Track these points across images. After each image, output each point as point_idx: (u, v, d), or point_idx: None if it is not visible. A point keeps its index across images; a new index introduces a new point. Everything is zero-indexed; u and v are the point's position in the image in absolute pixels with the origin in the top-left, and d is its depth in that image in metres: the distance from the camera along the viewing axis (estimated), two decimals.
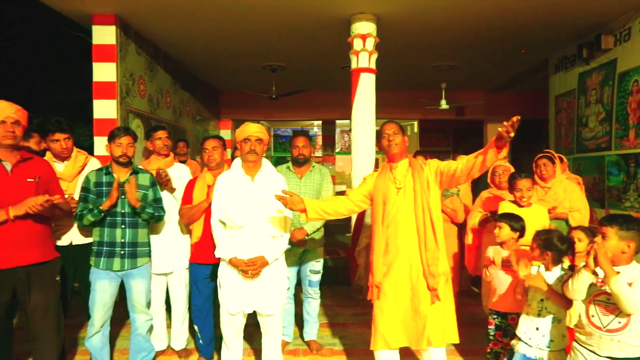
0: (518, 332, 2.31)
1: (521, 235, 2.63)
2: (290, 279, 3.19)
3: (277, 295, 2.51)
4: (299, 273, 3.34)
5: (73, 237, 2.90)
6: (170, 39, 5.74)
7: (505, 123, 2.02)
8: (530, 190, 2.99)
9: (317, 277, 3.29)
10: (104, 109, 4.84)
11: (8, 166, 2.27)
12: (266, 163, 2.60)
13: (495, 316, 2.63)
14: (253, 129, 2.49)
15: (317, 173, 3.31)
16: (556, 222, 3.23)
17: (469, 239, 3.60)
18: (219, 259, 2.54)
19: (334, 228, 8.50)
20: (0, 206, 2.19)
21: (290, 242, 2.84)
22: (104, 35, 4.79)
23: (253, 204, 2.44)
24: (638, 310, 1.76)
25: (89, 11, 4.68)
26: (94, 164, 3.04)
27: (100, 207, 2.62)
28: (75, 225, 2.85)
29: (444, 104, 7.92)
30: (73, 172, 2.90)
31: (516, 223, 2.61)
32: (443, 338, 2.33)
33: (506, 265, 2.48)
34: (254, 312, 2.50)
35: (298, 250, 3.19)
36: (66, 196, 2.71)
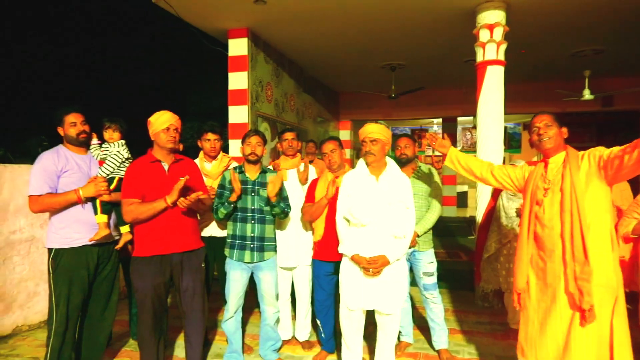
0: None
1: None
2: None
3: (397, 295, 2.48)
4: (411, 273, 3.27)
5: (213, 230, 3.26)
6: (294, 45, 6.08)
7: None
8: None
9: (431, 280, 3.16)
10: (237, 114, 5.36)
11: (166, 166, 2.65)
12: (391, 163, 2.60)
13: None
14: (367, 131, 2.52)
15: (425, 172, 3.20)
16: None
17: (622, 249, 3.10)
18: (341, 256, 2.60)
19: (456, 230, 8.11)
20: None
21: None
22: (238, 47, 5.31)
23: (378, 203, 2.45)
24: None
25: (226, 27, 5.23)
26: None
27: (229, 200, 2.88)
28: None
29: (587, 94, 6.95)
30: (218, 171, 3.26)
31: None
32: None
33: None
34: (374, 311, 2.51)
35: (407, 251, 3.13)
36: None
